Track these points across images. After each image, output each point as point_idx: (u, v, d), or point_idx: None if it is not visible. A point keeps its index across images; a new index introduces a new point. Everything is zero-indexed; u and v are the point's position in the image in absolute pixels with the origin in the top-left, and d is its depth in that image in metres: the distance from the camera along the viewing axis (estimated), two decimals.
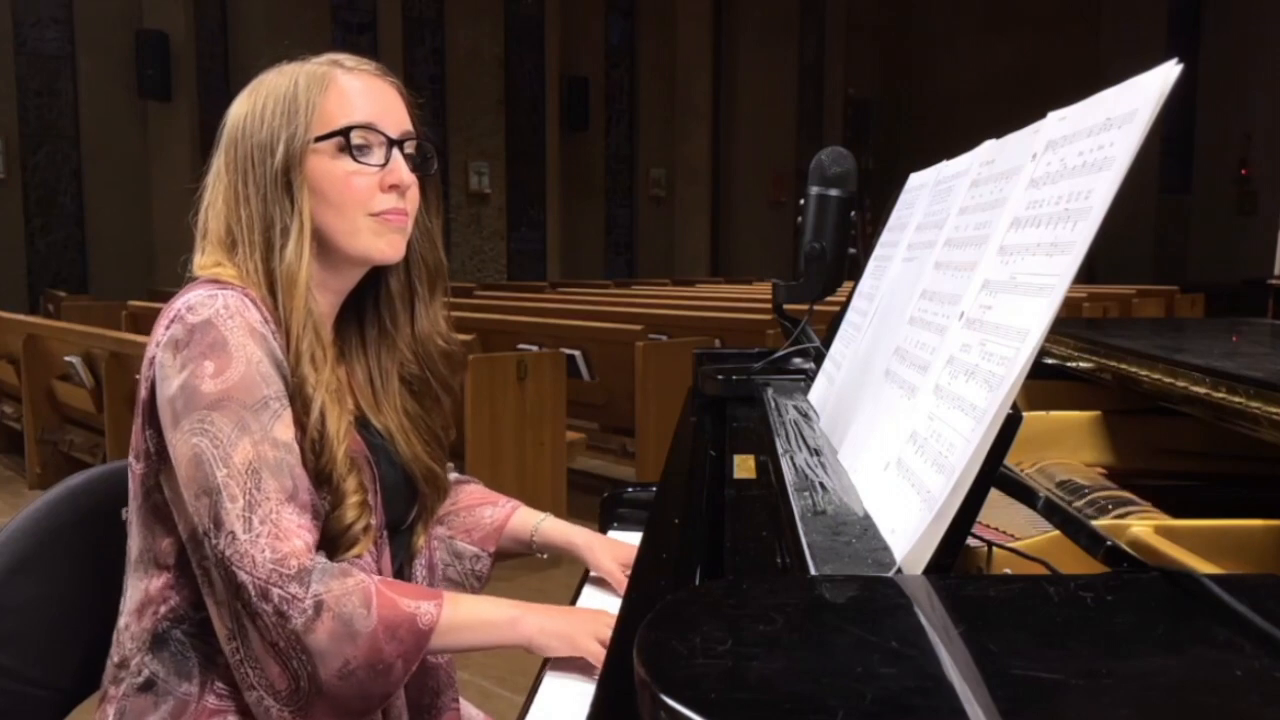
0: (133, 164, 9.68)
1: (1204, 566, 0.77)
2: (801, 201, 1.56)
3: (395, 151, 1.13)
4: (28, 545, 1.21)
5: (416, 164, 1.16)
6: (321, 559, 1.03)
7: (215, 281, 1.08)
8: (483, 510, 1.37)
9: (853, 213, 1.55)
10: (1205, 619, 0.53)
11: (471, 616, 1.08)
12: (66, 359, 4.76)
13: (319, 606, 0.98)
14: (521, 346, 4.61)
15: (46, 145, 9.60)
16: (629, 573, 1.25)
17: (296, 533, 1.01)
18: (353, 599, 1.00)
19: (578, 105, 12.93)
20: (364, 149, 1.11)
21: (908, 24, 16.47)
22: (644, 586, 0.91)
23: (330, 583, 1.00)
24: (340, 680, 0.99)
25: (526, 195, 12.67)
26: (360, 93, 1.13)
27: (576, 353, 4.71)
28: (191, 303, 1.05)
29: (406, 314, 1.22)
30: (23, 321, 5.59)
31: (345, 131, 1.10)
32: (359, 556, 1.09)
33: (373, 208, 1.12)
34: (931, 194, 1.13)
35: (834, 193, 1.54)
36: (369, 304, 1.22)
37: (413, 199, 1.15)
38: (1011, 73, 14.15)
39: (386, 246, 1.13)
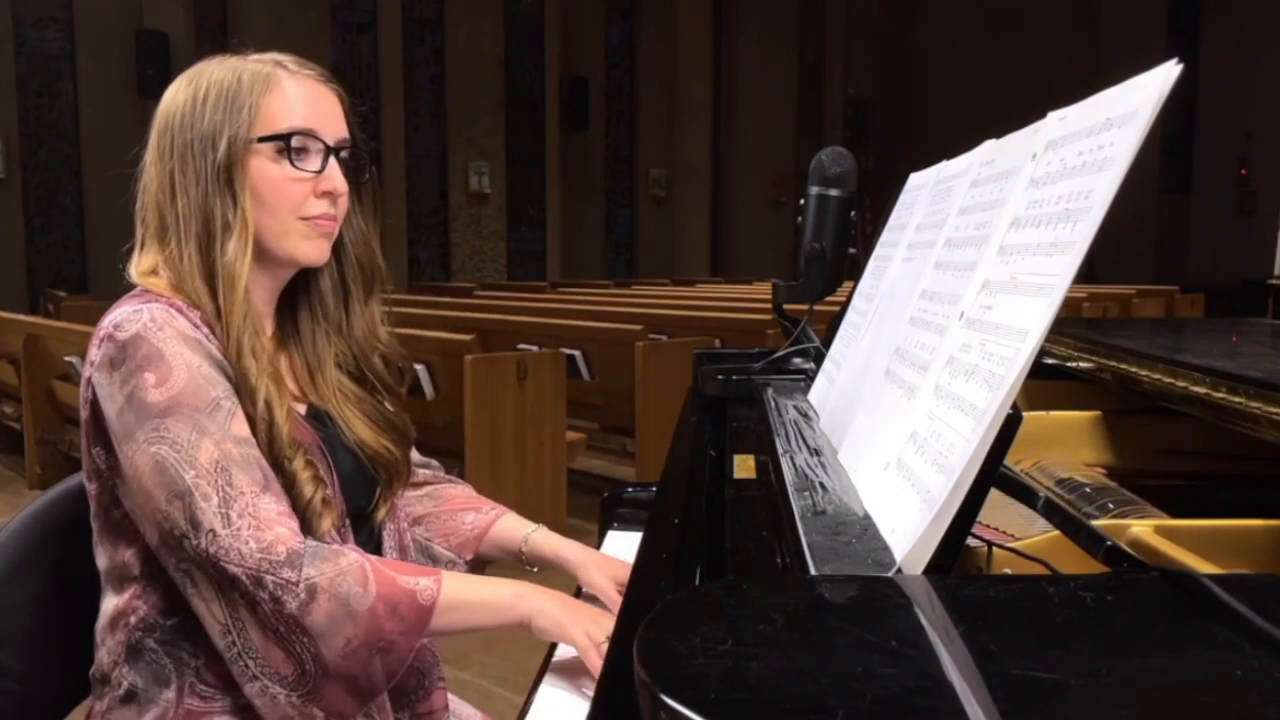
0: (133, 164, 9.67)
1: (1204, 566, 0.77)
2: (801, 201, 1.56)
3: (332, 159, 1.15)
4: (28, 545, 1.21)
5: (350, 170, 1.18)
6: (312, 542, 1.03)
7: (140, 295, 1.09)
8: (464, 515, 1.35)
9: (853, 213, 1.55)
10: (1205, 619, 0.53)
11: (473, 595, 1.08)
12: (66, 359, 4.76)
13: (313, 590, 0.99)
14: (521, 346, 4.61)
15: (46, 145, 9.59)
16: (623, 590, 1.24)
17: (278, 520, 1.02)
18: (347, 578, 1.00)
19: (578, 105, 12.93)
20: (302, 154, 1.13)
21: (908, 24, 16.47)
22: (644, 586, 0.91)
23: (323, 565, 1.00)
24: (344, 659, 0.99)
25: (526, 195, 12.67)
26: (302, 98, 1.14)
27: (576, 353, 4.71)
28: (118, 320, 1.06)
29: (340, 310, 1.24)
30: (23, 321, 5.59)
31: (286, 136, 1.12)
32: (325, 535, 1.08)
33: (304, 212, 1.14)
34: (931, 194, 1.13)
35: (834, 193, 1.54)
36: (300, 296, 1.23)
37: (342, 205, 1.17)
38: (1012, 73, 14.14)
39: (312, 250, 1.16)
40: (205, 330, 1.08)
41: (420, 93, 11.71)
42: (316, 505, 1.09)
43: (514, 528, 1.34)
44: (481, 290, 9.30)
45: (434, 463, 1.42)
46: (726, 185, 14.51)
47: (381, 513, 1.24)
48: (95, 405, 1.07)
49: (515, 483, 4.01)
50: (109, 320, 1.07)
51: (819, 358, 1.39)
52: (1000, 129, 0.92)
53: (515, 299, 7.85)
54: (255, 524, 1.00)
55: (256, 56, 1.16)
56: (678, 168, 14.12)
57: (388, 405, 1.26)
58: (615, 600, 1.24)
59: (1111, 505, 0.96)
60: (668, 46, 13.79)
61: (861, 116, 16.15)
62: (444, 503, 1.36)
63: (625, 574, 1.24)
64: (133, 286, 1.13)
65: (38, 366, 5.09)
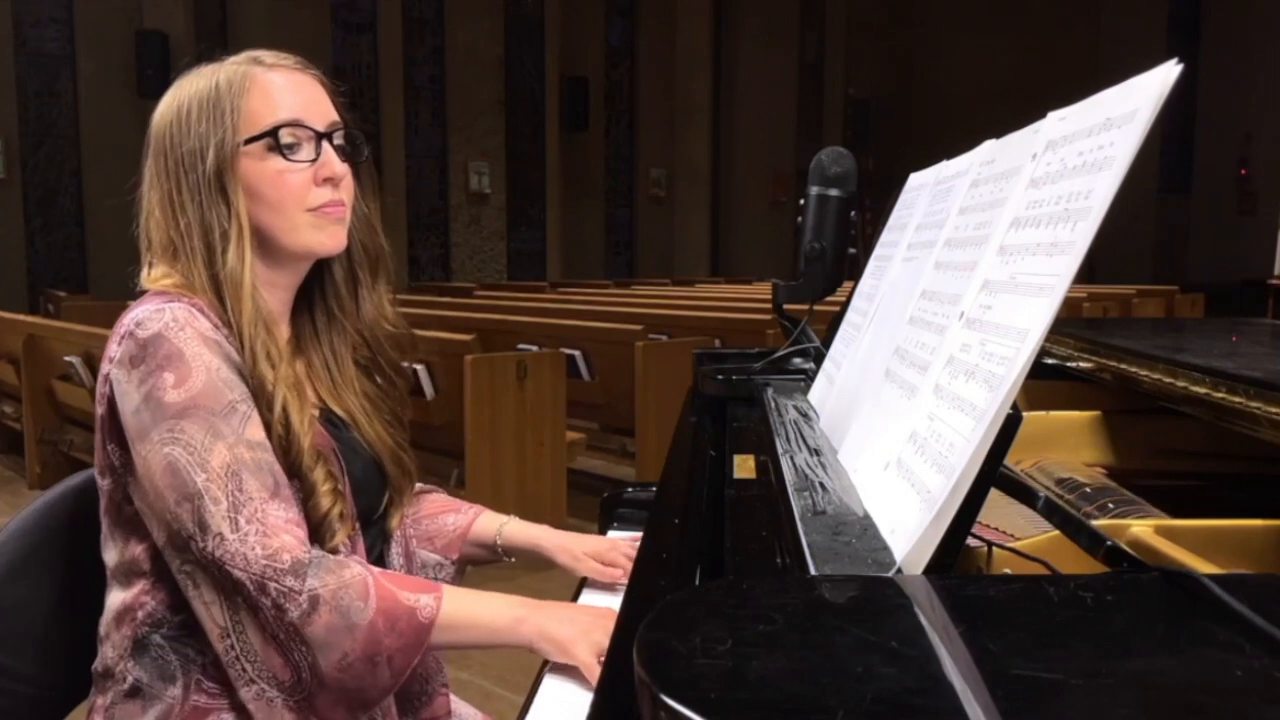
0: (133, 164, 9.67)
1: (1204, 566, 0.77)
2: (801, 201, 1.56)
3: (325, 144, 1.13)
4: (28, 545, 1.21)
5: (347, 153, 1.16)
6: (317, 552, 1.03)
7: (162, 294, 1.08)
8: (445, 518, 1.36)
9: (853, 213, 1.55)
10: (1205, 619, 0.53)
11: (473, 614, 1.07)
12: (66, 359, 4.76)
13: (315, 601, 0.99)
14: (521, 346, 4.61)
15: (46, 145, 9.60)
16: (603, 561, 1.30)
17: (285, 528, 1.02)
18: (350, 592, 1.00)
19: (578, 105, 12.93)
20: (293, 146, 1.12)
21: (908, 24, 16.48)
22: (644, 586, 0.91)
23: (326, 577, 1.00)
24: (340, 672, 1.00)
25: (526, 195, 12.67)
26: (283, 89, 1.13)
27: (576, 353, 4.71)
28: (140, 318, 1.05)
29: (353, 301, 1.23)
30: (23, 321, 5.59)
31: (273, 131, 1.10)
32: (337, 547, 1.09)
33: (310, 203, 1.12)
34: (931, 194, 1.13)
35: (834, 193, 1.54)
36: (316, 293, 1.23)
37: (347, 188, 1.16)
38: (1012, 73, 14.15)
39: (328, 239, 1.14)
40: (225, 331, 1.08)
41: (420, 93, 11.71)
42: (333, 520, 1.09)
43: (488, 523, 1.36)
44: (481, 290, 9.30)
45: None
46: (726, 185, 14.52)
47: (395, 520, 1.26)
48: (112, 401, 1.07)
49: (515, 483, 4.01)
50: (130, 317, 1.06)
51: (819, 358, 1.39)
52: (1000, 129, 0.92)
53: (515, 299, 7.85)
54: (263, 530, 1.00)
55: (233, 58, 1.15)
56: (678, 168, 14.12)
57: (394, 397, 1.26)
58: (600, 572, 1.29)
59: (1111, 505, 0.96)
60: (668, 46, 13.80)
61: (861, 116, 16.16)
62: (424, 508, 1.38)
63: (599, 547, 1.32)
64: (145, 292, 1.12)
65: (38, 366, 5.09)
